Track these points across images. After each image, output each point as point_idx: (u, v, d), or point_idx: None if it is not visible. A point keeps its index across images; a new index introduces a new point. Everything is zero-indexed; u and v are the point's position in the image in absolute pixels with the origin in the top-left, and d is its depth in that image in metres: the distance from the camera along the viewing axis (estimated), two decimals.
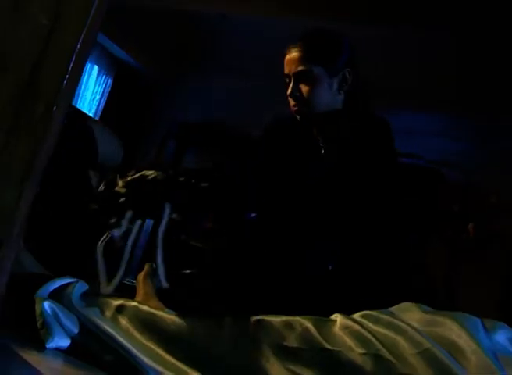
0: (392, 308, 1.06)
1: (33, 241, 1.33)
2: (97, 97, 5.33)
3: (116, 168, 2.49)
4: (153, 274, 1.55)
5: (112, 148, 2.17)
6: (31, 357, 1.01)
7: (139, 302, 1.26)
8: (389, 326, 0.95)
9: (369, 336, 0.93)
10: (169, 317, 1.10)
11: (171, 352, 1.01)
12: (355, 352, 0.90)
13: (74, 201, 1.64)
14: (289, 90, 1.64)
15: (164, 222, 1.43)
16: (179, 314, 1.11)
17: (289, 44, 1.70)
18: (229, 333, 1.01)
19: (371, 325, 0.97)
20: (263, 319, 1.02)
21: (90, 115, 4.95)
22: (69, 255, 1.61)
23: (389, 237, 1.49)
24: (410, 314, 1.02)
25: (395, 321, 0.96)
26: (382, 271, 1.41)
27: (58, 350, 1.09)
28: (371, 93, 1.78)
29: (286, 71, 1.67)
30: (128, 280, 1.79)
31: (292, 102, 1.66)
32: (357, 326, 0.96)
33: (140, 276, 1.53)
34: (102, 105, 5.38)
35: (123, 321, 1.09)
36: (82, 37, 1.06)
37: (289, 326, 0.98)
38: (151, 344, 1.04)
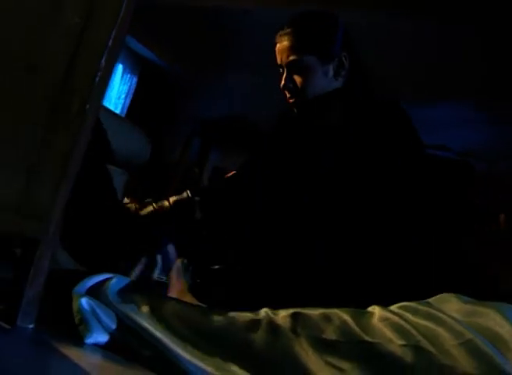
0: (431, 300, 1.05)
1: (64, 237, 1.34)
2: (123, 95, 5.37)
3: (144, 165, 2.51)
4: (185, 270, 1.56)
5: (139, 146, 2.18)
6: (70, 352, 1.02)
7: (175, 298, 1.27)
8: (428, 317, 0.94)
9: (409, 327, 0.91)
10: (207, 312, 1.10)
11: (209, 347, 1.01)
12: (395, 344, 0.89)
13: (95, 194, 1.65)
14: (283, 82, 1.55)
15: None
16: (216, 309, 1.11)
17: (277, 30, 1.59)
18: (267, 327, 1.01)
19: (410, 316, 0.95)
20: (300, 312, 1.02)
21: (116, 111, 4.99)
22: (98, 251, 1.62)
23: (409, 230, 1.43)
24: (450, 305, 1.00)
25: (434, 312, 0.95)
26: (411, 262, 1.37)
27: (96, 345, 1.10)
28: (378, 77, 1.63)
29: (278, 61, 1.58)
30: (161, 277, 1.80)
31: (286, 95, 1.58)
32: (396, 318, 0.95)
33: (173, 272, 1.54)
34: (127, 103, 5.42)
35: (161, 316, 1.09)
36: (113, 34, 1.07)
37: (327, 318, 0.98)
38: (189, 340, 1.04)
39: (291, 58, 1.51)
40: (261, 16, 4.60)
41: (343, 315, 0.97)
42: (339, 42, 1.53)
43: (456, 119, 4.45)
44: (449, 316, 0.93)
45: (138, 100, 5.50)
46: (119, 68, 5.23)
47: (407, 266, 1.34)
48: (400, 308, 1.00)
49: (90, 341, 1.09)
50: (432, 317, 0.94)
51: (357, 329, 0.94)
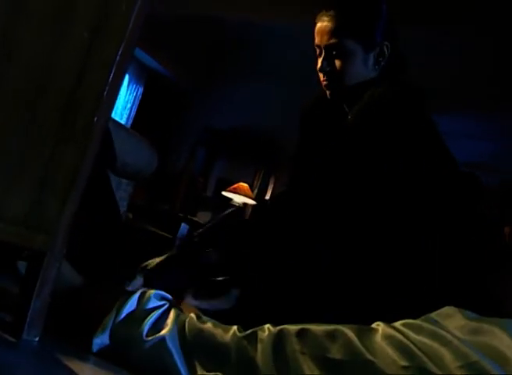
0: (434, 314, 1.03)
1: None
2: (129, 105, 5.40)
3: (150, 176, 2.52)
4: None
5: (146, 158, 2.19)
6: (75, 365, 1.03)
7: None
8: (432, 335, 0.92)
9: (412, 347, 0.90)
10: (214, 330, 1.10)
11: (214, 364, 1.02)
12: (398, 364, 0.89)
13: (96, 203, 1.65)
14: (319, 64, 1.48)
15: None
16: (222, 325, 1.11)
17: (319, 11, 1.51)
18: (273, 347, 1.01)
19: (414, 335, 0.94)
20: (305, 329, 1.01)
21: (122, 122, 5.01)
22: (99, 260, 1.63)
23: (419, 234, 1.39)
24: (454, 321, 0.99)
25: (439, 330, 0.93)
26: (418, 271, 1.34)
27: (100, 358, 1.10)
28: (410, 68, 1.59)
29: (317, 41, 1.50)
30: None
31: (321, 77, 1.51)
32: (400, 337, 0.93)
33: None
34: (133, 113, 5.45)
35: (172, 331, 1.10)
36: (121, 49, 1.08)
37: (331, 336, 0.97)
38: (195, 358, 1.05)
39: (332, 40, 1.45)
40: (267, 28, 4.64)
41: (348, 332, 0.97)
42: (384, 30, 1.48)
43: (464, 131, 4.45)
44: (453, 335, 0.92)
45: (144, 110, 5.54)
46: (125, 78, 5.26)
47: (416, 277, 1.32)
48: (404, 325, 0.98)
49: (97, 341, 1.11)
50: (436, 336, 0.92)
51: (361, 347, 0.93)
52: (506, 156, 4.36)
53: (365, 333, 0.97)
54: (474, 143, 4.39)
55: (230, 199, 4.96)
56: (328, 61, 1.47)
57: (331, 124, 1.57)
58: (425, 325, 0.97)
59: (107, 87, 1.08)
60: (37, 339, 1.06)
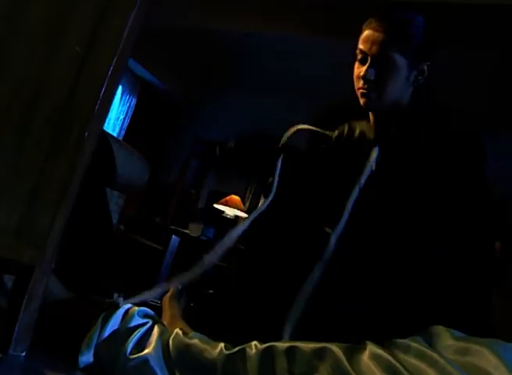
0: (423, 334, 1.03)
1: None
2: (121, 116, 5.40)
3: (141, 188, 2.51)
4: (179, 296, 1.55)
5: (138, 170, 2.18)
6: None
7: (167, 325, 1.26)
8: (420, 356, 0.92)
9: (400, 367, 0.89)
10: (201, 346, 1.09)
11: None
12: None
13: (91, 218, 1.64)
14: (363, 72, 1.48)
15: None
16: (209, 341, 1.11)
17: (370, 16, 1.52)
18: (262, 366, 1.00)
19: (401, 354, 0.94)
20: (294, 347, 1.00)
21: (114, 134, 5.00)
22: (90, 275, 1.61)
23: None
24: (442, 341, 0.98)
25: (427, 351, 0.93)
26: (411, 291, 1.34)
27: (87, 374, 1.09)
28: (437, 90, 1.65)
29: (364, 48, 1.50)
30: (155, 301, 1.79)
31: (360, 84, 1.51)
32: (387, 356, 0.93)
33: (166, 297, 1.53)
34: (126, 124, 5.44)
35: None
36: (113, 63, 1.08)
37: (319, 355, 0.96)
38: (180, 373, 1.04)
39: (383, 52, 1.46)
40: (261, 40, 4.67)
41: (336, 350, 0.96)
42: (429, 51, 1.51)
43: None
44: (441, 355, 0.91)
45: (137, 121, 5.54)
46: (119, 89, 5.26)
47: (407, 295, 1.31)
48: (392, 344, 0.98)
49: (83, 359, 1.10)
50: (424, 356, 0.92)
51: (348, 367, 0.92)
52: (500, 174, 4.38)
53: (353, 352, 0.97)
54: None
55: (222, 212, 4.95)
56: (373, 70, 1.47)
57: (360, 143, 1.58)
58: (413, 345, 0.96)
59: (99, 101, 1.07)
60: (23, 354, 1.05)
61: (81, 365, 1.11)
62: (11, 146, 1.04)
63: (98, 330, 1.14)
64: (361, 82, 1.50)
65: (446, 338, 0.99)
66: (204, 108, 5.89)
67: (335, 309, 1.26)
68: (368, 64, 1.48)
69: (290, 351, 0.99)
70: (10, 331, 1.03)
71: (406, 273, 1.31)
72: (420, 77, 1.52)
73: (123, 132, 5.44)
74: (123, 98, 5.41)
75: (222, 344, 1.08)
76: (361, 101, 1.52)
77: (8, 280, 1.24)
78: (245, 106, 5.58)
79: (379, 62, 1.47)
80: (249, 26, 4.32)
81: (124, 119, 5.42)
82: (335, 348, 0.97)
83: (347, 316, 1.23)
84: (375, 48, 1.47)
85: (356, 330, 1.13)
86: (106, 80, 1.08)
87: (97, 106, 1.07)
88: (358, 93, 1.52)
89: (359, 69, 1.51)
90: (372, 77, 1.47)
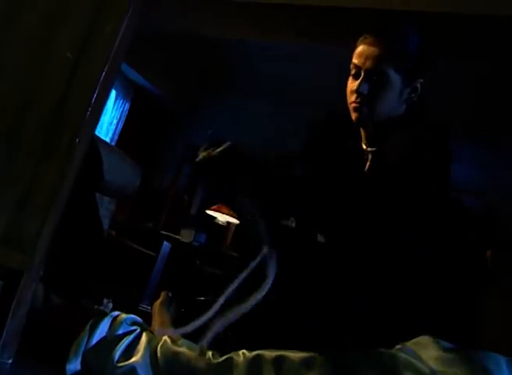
0: (410, 344, 1.02)
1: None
2: (115, 121, 5.39)
3: (133, 194, 2.51)
4: (169, 302, 1.54)
5: (130, 175, 2.18)
6: None
7: (155, 334, 1.25)
8: (407, 366, 0.92)
9: None
10: (189, 354, 1.09)
11: None
12: None
13: (81, 223, 1.63)
14: (356, 86, 1.47)
15: None
16: (197, 349, 1.10)
17: (363, 33, 1.51)
18: (246, 372, 1.00)
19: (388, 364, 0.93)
20: (282, 356, 1.00)
21: (107, 140, 5.00)
22: (80, 280, 1.60)
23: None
24: (429, 351, 0.98)
25: (413, 361, 0.93)
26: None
27: None
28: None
29: (358, 63, 1.49)
30: (143, 306, 1.78)
31: (353, 98, 1.49)
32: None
33: (156, 304, 1.53)
34: (119, 129, 5.43)
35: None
36: (106, 69, 1.08)
37: (307, 364, 0.96)
38: None
39: (378, 67, 1.45)
40: (257, 47, 4.68)
41: (323, 360, 0.96)
42: (422, 68, 1.50)
43: (456, 156, 4.50)
44: (428, 366, 0.91)
45: (130, 126, 5.53)
46: (112, 93, 5.26)
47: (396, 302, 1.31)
48: (379, 354, 0.97)
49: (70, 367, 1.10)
50: (410, 367, 0.92)
51: None
52: (490, 181, 4.40)
53: (340, 362, 0.96)
54: (458, 167, 4.44)
55: (214, 218, 4.95)
56: (366, 85, 1.46)
57: (350, 155, 1.58)
58: (401, 355, 0.96)
59: (90, 107, 1.07)
60: (10, 361, 1.04)
61: (69, 373, 1.10)
62: (1, 150, 1.03)
63: (86, 337, 1.13)
64: (354, 96, 1.49)
65: (434, 349, 0.99)
66: (197, 113, 5.89)
67: (330, 310, 1.25)
68: (361, 78, 1.47)
69: (278, 360, 0.99)
70: None
71: (399, 274, 1.31)
72: (413, 95, 1.50)
73: (116, 137, 5.43)
74: (117, 102, 5.41)
75: (209, 353, 1.08)
76: (353, 115, 1.51)
77: None
78: (239, 112, 5.58)
79: (373, 76, 1.46)
80: (243, 33, 4.33)
81: (117, 123, 5.42)
82: (321, 358, 0.96)
83: (343, 315, 1.22)
84: (369, 63, 1.46)
85: (352, 329, 1.12)
86: (98, 85, 1.08)
87: (88, 112, 1.07)
88: (351, 107, 1.51)
89: (352, 84, 1.50)
90: (366, 92, 1.46)
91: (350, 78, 1.51)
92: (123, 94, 5.46)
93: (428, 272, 1.37)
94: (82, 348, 1.12)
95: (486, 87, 3.87)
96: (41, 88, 1.05)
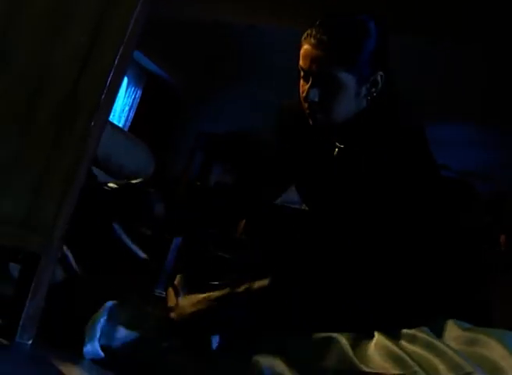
0: (430, 325, 1.03)
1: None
2: (127, 108, 5.40)
3: (148, 179, 2.52)
4: (184, 285, 1.56)
5: (144, 161, 2.19)
6: (68, 369, 1.02)
7: None
8: (427, 346, 0.92)
9: (406, 357, 0.90)
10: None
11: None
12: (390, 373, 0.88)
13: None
14: (305, 92, 1.33)
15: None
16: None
17: (307, 28, 1.33)
18: (266, 351, 1.00)
19: (408, 345, 0.93)
20: (299, 338, 1.01)
21: (120, 125, 5.01)
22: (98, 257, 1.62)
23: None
24: (449, 331, 0.98)
25: (433, 341, 0.92)
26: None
27: (94, 363, 1.10)
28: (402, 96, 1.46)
29: (303, 66, 1.33)
30: (158, 291, 1.79)
31: (305, 105, 1.35)
32: (393, 347, 0.93)
33: (170, 289, 1.54)
34: (131, 116, 5.44)
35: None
36: (119, 53, 1.08)
37: (326, 345, 0.97)
38: None
39: (323, 70, 1.29)
40: (268, 33, 4.65)
41: (342, 340, 0.96)
42: (378, 59, 1.33)
43: (459, 140, 4.47)
44: (448, 345, 0.91)
45: (142, 113, 5.54)
46: (124, 81, 5.26)
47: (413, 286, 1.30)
48: (399, 335, 0.98)
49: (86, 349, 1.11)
50: (430, 346, 0.92)
51: (354, 357, 0.93)
52: (501, 165, 4.37)
53: (359, 341, 0.97)
54: (469, 151, 4.40)
55: None
56: (316, 91, 1.31)
57: (318, 151, 1.46)
58: (420, 335, 0.96)
59: (105, 91, 1.08)
60: (30, 342, 1.06)
61: (87, 356, 1.11)
62: (16, 135, 1.04)
63: (102, 319, 1.14)
64: (306, 103, 1.35)
65: (454, 329, 0.99)
66: (209, 100, 5.89)
67: (328, 305, 1.23)
68: (309, 85, 1.32)
69: (294, 340, 1.00)
70: (16, 319, 1.04)
71: (397, 269, 1.28)
72: (373, 89, 1.34)
73: (128, 124, 5.45)
74: (129, 89, 5.41)
75: None
76: (309, 120, 1.38)
77: (15, 268, 1.24)
78: (251, 99, 5.57)
79: (322, 81, 1.30)
80: (254, 18, 4.31)
81: (129, 111, 5.43)
82: (340, 338, 0.97)
83: (341, 311, 1.21)
84: (315, 67, 1.30)
85: (351, 325, 1.12)
86: (112, 69, 1.08)
87: (103, 95, 1.08)
88: (305, 113, 1.38)
89: (303, 88, 1.35)
90: (316, 99, 1.31)
91: (301, 81, 1.37)
92: (135, 82, 5.46)
93: (443, 256, 1.36)
94: (97, 332, 1.12)
95: (497, 71, 3.84)
96: (55, 72, 1.05)
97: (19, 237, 1.06)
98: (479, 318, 1.19)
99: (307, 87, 1.33)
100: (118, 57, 1.08)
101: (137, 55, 5.16)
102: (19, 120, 1.04)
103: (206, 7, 4.19)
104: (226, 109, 5.70)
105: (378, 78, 1.34)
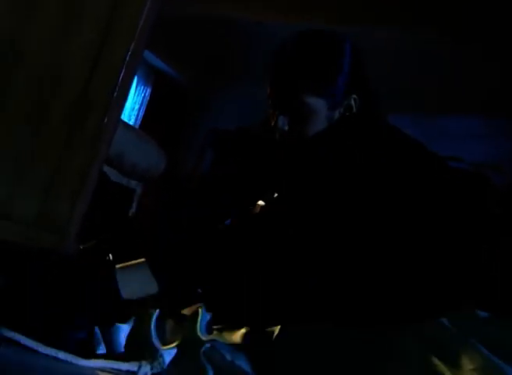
0: (447, 315, 1.00)
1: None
2: (137, 106, 5.42)
3: (159, 177, 2.53)
4: None
5: (156, 158, 2.20)
6: None
7: None
8: (445, 336, 0.91)
9: None
10: None
11: None
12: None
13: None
14: (274, 121, 1.25)
15: None
16: None
17: (275, 51, 1.25)
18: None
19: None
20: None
21: (131, 123, 5.02)
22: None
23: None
24: (466, 321, 0.96)
25: (451, 330, 0.92)
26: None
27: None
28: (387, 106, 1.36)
29: (271, 94, 1.27)
30: None
31: (276, 133, 1.27)
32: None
33: None
34: (141, 114, 5.46)
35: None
36: (130, 50, 1.09)
37: None
38: None
39: (293, 99, 1.21)
40: (276, 30, 4.64)
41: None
42: (351, 82, 1.24)
43: (471, 131, 4.45)
44: (465, 335, 0.90)
45: (152, 111, 5.55)
46: (134, 79, 5.28)
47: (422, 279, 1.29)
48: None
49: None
50: (447, 336, 0.91)
51: None
52: (503, 155, 4.34)
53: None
54: (479, 144, 4.38)
55: None
56: (286, 120, 1.23)
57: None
58: (439, 325, 0.94)
59: (117, 88, 1.08)
60: None
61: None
62: (29, 133, 1.05)
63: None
64: (276, 132, 1.27)
65: (471, 318, 0.97)
66: (219, 97, 5.89)
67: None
68: (278, 111, 1.25)
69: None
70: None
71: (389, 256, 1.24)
72: (347, 113, 1.25)
73: (139, 122, 5.47)
74: (138, 88, 5.43)
75: None
76: (282, 151, 1.30)
77: None
78: (260, 95, 5.57)
79: (291, 108, 1.22)
80: (262, 15, 4.30)
81: (139, 109, 5.44)
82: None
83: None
84: (283, 95, 1.24)
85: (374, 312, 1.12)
86: (124, 67, 1.09)
87: (115, 93, 1.08)
88: (277, 141, 1.29)
89: (272, 114, 1.28)
90: (286, 128, 1.24)
91: (270, 109, 1.29)
92: (144, 80, 5.48)
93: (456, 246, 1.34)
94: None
95: (510, 63, 3.81)
96: (66, 70, 1.06)
97: (33, 235, 1.07)
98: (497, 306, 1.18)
99: (275, 113, 1.26)
100: (129, 55, 1.09)
101: (145, 53, 5.17)
102: (33, 119, 1.05)
103: (216, 4, 4.19)
104: (236, 106, 5.71)
105: (352, 102, 1.25)
